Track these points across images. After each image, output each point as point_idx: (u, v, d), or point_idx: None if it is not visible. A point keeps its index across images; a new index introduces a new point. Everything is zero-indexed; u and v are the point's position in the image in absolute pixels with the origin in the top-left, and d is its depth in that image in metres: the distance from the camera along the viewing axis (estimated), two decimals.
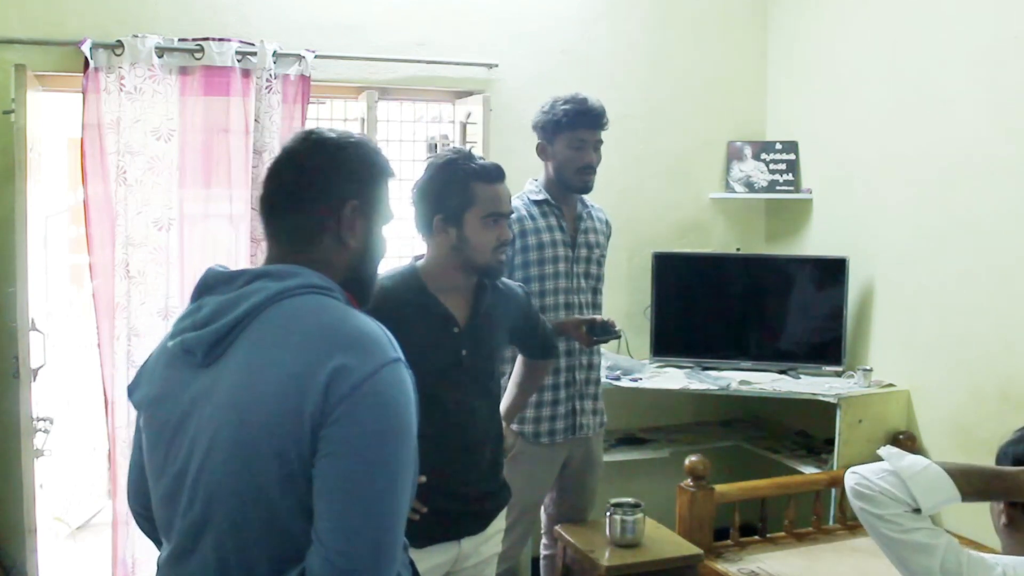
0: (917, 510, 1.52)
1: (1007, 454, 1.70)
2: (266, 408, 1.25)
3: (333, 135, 1.46)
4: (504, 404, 2.53)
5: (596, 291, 2.99)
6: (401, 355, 1.32)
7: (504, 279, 2.36)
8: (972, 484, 1.56)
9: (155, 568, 1.44)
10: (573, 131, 2.82)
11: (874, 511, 1.55)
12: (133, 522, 3.30)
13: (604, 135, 2.90)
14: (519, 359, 2.63)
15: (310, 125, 3.53)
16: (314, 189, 1.40)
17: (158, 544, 1.48)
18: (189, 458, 1.32)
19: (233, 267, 3.61)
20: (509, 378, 2.66)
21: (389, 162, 1.51)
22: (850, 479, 1.61)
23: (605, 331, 2.74)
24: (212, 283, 1.39)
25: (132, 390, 1.47)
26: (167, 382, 1.38)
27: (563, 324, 2.77)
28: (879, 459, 1.59)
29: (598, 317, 2.81)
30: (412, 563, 1.50)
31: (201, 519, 1.31)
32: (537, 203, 2.89)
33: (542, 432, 2.85)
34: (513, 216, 2.77)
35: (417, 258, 2.23)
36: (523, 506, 2.82)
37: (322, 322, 1.30)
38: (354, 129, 3.72)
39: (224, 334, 1.31)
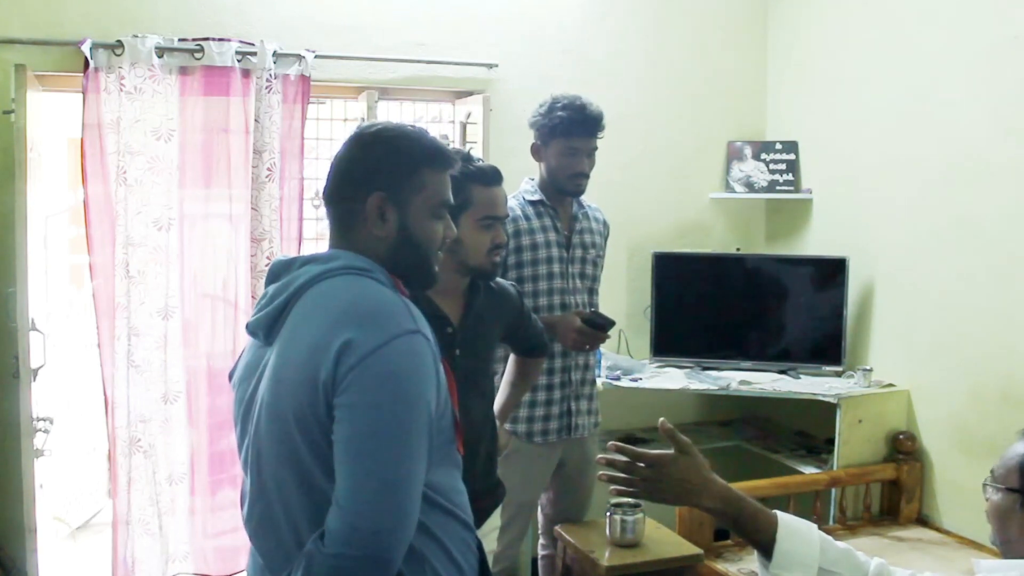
0: None
1: None
2: (290, 376, 1.36)
3: (374, 128, 1.54)
4: (497, 403, 2.53)
5: (592, 291, 2.99)
6: (421, 327, 1.39)
7: (496, 278, 2.36)
8: None
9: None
10: (567, 139, 2.80)
11: None
12: (133, 523, 3.35)
13: (604, 135, 2.89)
14: (511, 358, 2.63)
15: (310, 125, 3.53)
16: (342, 183, 1.51)
17: None
18: (252, 429, 1.46)
19: (233, 267, 3.61)
20: (501, 377, 2.65)
21: (434, 150, 1.54)
22: None
23: (603, 320, 2.71)
24: (277, 271, 1.52)
25: (231, 375, 1.61)
26: (247, 364, 1.53)
27: (554, 323, 2.74)
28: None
29: (588, 311, 2.80)
30: (480, 545, 1.59)
31: (257, 481, 1.44)
32: (532, 203, 2.88)
33: (535, 432, 2.85)
34: (508, 216, 2.76)
35: None
36: (518, 505, 2.82)
37: (346, 298, 1.40)
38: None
39: (277, 315, 1.45)
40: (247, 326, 1.51)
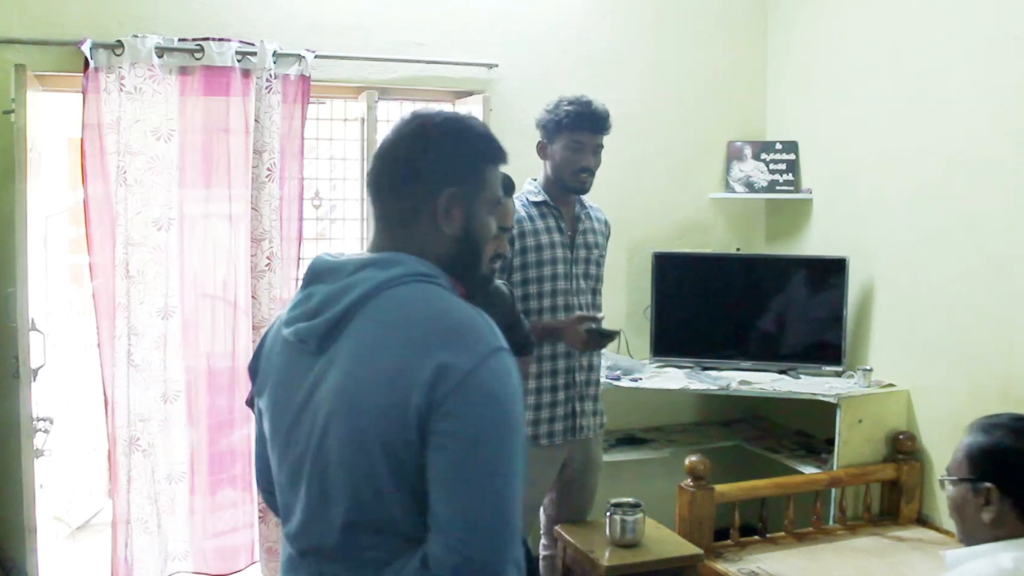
0: None
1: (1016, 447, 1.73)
2: (373, 401, 1.28)
3: (439, 119, 1.44)
4: None
5: (596, 291, 2.99)
6: (503, 343, 1.33)
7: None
8: None
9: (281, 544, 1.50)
10: (572, 133, 2.81)
11: None
12: (133, 522, 3.35)
13: (609, 134, 2.89)
14: None
15: (310, 125, 3.53)
16: (412, 176, 1.40)
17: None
18: (308, 443, 1.36)
19: (233, 267, 3.57)
20: None
21: (496, 145, 1.48)
22: None
23: (606, 335, 2.76)
24: (321, 271, 1.41)
25: (253, 371, 1.52)
26: (287, 369, 1.42)
27: (557, 326, 2.76)
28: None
29: (595, 316, 2.81)
30: (528, 552, 1.55)
31: (319, 503, 1.35)
32: (536, 204, 2.88)
33: (541, 433, 2.85)
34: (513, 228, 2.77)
35: None
36: (522, 508, 2.82)
37: (425, 314, 1.32)
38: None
39: (334, 324, 1.35)
40: (296, 331, 1.38)
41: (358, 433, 1.29)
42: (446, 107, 3.89)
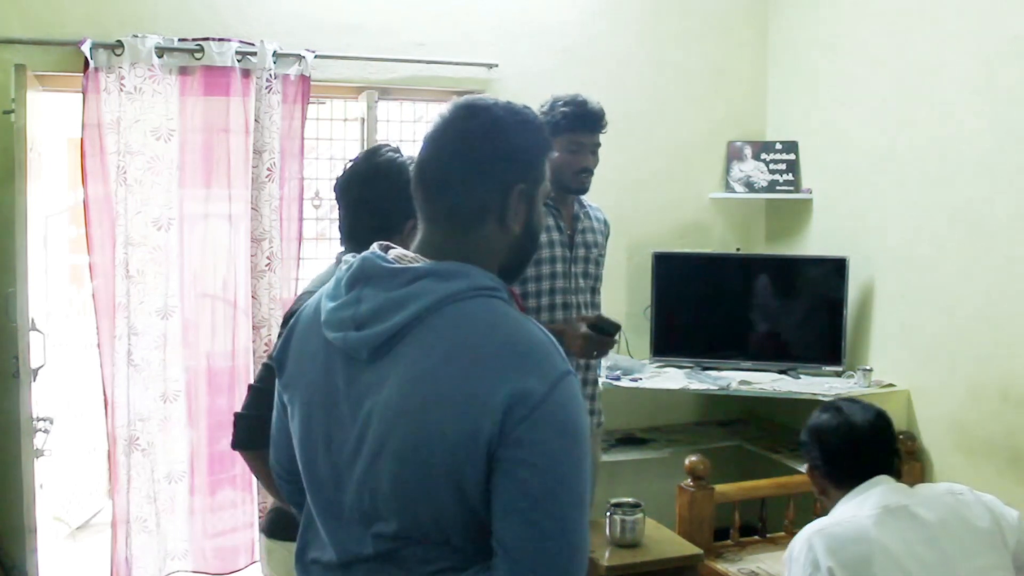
0: None
1: (810, 427, 2.06)
2: (438, 426, 1.22)
3: (501, 112, 1.34)
4: None
5: (595, 291, 2.99)
6: (569, 365, 1.29)
7: None
8: None
9: (296, 552, 1.43)
10: (571, 134, 2.80)
11: None
12: (132, 521, 3.35)
13: (606, 132, 2.89)
14: None
15: (310, 125, 3.53)
16: (483, 172, 1.31)
17: (298, 508, 1.48)
18: (355, 455, 1.29)
19: (233, 267, 3.53)
20: None
21: (547, 135, 1.41)
22: None
23: (609, 325, 2.70)
24: (371, 274, 1.30)
25: (280, 362, 1.42)
26: (327, 372, 1.33)
27: (560, 331, 2.73)
28: None
29: (592, 316, 2.79)
30: None
31: (368, 518, 1.30)
32: None
33: None
34: None
35: None
36: None
37: (492, 335, 1.25)
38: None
39: (389, 337, 1.26)
40: (345, 339, 1.29)
41: (420, 457, 1.23)
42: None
